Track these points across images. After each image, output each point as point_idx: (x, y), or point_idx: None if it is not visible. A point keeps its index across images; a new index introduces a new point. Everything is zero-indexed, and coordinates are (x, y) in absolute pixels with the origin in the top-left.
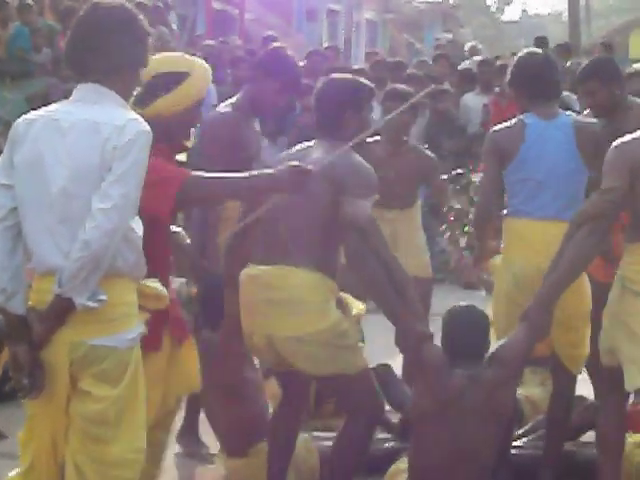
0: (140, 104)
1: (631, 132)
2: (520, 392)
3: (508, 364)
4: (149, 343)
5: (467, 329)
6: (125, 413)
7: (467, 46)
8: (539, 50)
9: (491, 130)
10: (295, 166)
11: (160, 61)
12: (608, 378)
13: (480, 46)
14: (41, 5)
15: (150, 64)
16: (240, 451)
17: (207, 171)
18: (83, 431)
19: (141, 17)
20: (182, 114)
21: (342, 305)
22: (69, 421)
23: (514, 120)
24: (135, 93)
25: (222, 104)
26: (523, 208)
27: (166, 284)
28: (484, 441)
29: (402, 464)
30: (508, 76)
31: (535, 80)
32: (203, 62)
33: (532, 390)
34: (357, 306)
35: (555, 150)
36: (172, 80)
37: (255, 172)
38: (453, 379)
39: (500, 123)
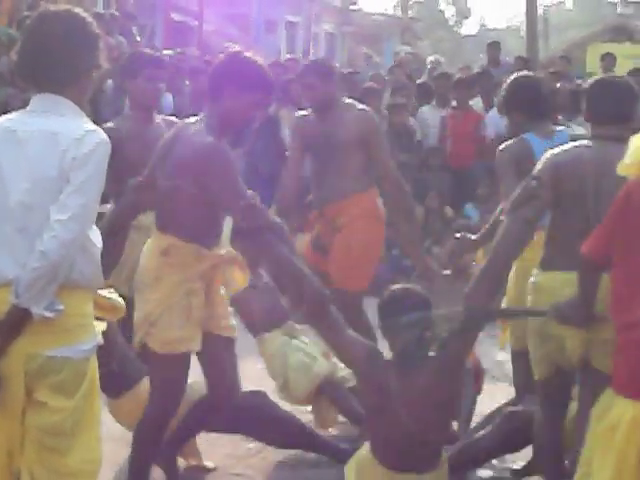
0: None
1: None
2: None
3: None
4: None
5: None
6: (81, 424)
7: (429, 60)
8: (530, 73)
9: (502, 147)
10: None
11: None
12: None
13: (443, 59)
14: None
15: None
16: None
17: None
18: (39, 442)
19: (90, 20)
20: None
21: None
22: (24, 432)
23: (517, 140)
24: None
25: (186, 126)
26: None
27: None
28: None
29: None
30: (504, 99)
31: (535, 101)
32: None
33: None
34: None
35: None
36: None
37: None
38: None
39: (457, 136)
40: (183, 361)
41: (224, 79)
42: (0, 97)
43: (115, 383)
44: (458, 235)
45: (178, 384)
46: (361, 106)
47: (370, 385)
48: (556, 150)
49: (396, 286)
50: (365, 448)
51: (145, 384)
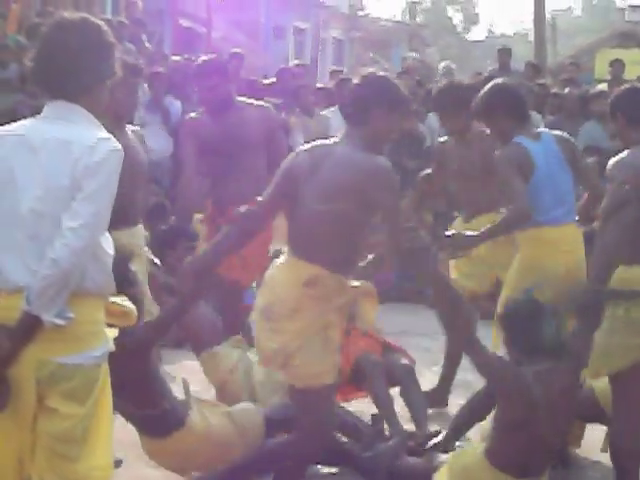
0: None
1: None
2: None
3: None
4: None
5: None
6: (92, 430)
7: (441, 66)
8: (503, 79)
9: (500, 153)
10: None
11: None
12: None
13: (454, 66)
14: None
15: None
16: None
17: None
18: (50, 448)
19: (105, 29)
20: None
21: None
22: (35, 438)
23: (512, 145)
24: None
25: (328, 149)
26: (542, 219)
27: None
28: None
29: None
30: (487, 107)
31: (520, 106)
32: None
33: None
34: None
35: (556, 168)
36: None
37: None
38: None
39: None
40: (326, 393)
41: (370, 102)
42: (9, 104)
43: (165, 422)
44: (451, 232)
45: (324, 418)
46: (259, 103)
47: (517, 399)
48: (624, 155)
49: (515, 297)
50: (471, 455)
51: (193, 419)
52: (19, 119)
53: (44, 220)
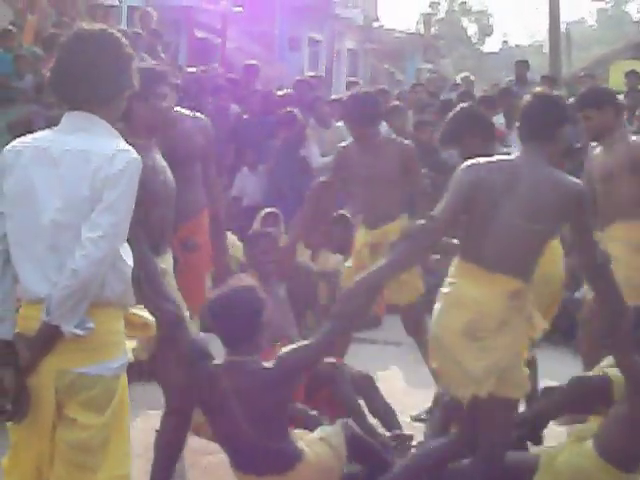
0: None
1: None
2: None
3: None
4: None
5: None
6: (110, 441)
7: (460, 77)
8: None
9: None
10: None
11: None
12: None
13: (473, 77)
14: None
15: None
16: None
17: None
18: (68, 458)
19: (124, 41)
20: None
21: None
22: (54, 448)
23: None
24: None
25: (516, 164)
26: None
27: None
28: None
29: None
30: (457, 129)
31: (490, 126)
32: None
33: None
34: None
35: None
36: None
37: None
38: None
39: None
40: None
41: (559, 120)
42: (23, 114)
43: (290, 454)
44: None
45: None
46: (196, 114)
47: None
48: None
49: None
50: (580, 455)
51: (306, 450)
52: (34, 130)
53: (64, 231)
